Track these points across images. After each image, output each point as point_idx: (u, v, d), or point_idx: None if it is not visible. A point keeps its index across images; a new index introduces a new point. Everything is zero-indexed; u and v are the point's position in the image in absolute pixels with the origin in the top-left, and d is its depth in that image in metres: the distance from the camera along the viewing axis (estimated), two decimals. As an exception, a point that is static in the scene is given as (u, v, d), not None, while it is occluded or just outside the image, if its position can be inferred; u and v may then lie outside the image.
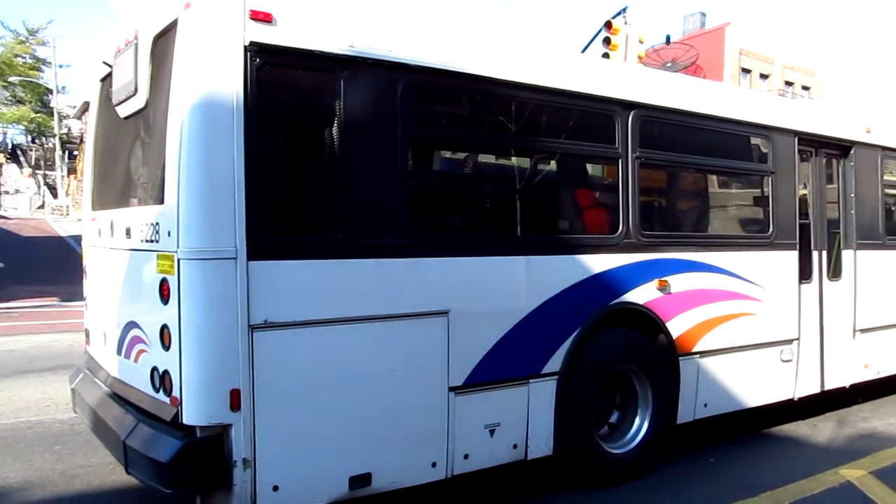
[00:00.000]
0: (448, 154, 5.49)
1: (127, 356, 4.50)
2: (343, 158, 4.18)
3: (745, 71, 37.51)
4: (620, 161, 5.41)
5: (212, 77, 3.75)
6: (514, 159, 5.33)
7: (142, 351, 4.27)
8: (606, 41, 14.26)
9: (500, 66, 4.85)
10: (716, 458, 6.05)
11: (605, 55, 14.06)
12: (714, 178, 6.87)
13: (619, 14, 14.59)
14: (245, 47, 3.81)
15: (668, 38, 22.77)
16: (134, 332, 4.39)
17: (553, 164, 5.59)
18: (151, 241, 4.07)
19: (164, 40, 4.17)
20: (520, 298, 4.85)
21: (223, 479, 3.79)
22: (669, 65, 29.64)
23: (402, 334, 4.33)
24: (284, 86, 4.08)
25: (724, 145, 6.47)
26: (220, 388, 3.75)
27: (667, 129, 5.92)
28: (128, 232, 4.46)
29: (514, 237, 5.04)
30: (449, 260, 4.54)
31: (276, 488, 3.90)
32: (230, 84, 3.77)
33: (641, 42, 14.91)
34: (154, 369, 4.07)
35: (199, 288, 3.75)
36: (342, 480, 4.12)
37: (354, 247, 4.16)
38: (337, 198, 4.15)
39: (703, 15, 40.41)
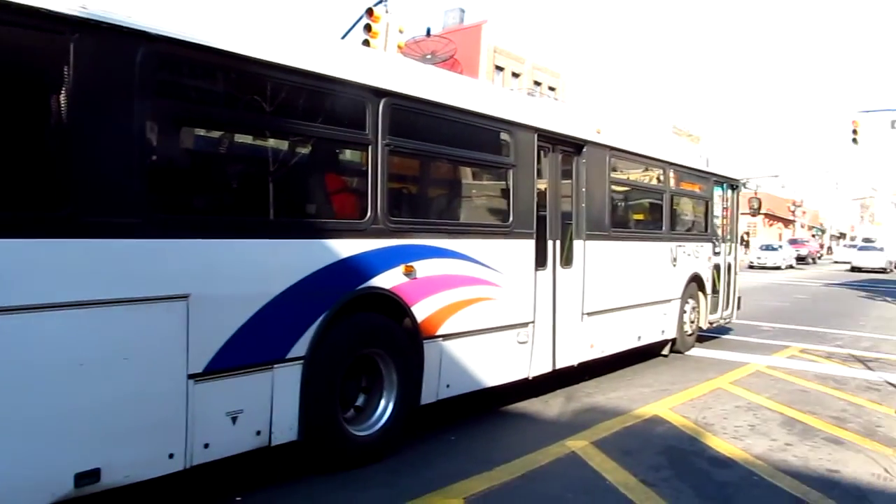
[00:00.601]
0: (194, 131, 5.23)
1: None
2: (73, 128, 3.85)
3: (499, 68, 39.25)
4: (370, 147, 5.50)
5: None
6: (264, 140, 5.22)
7: None
8: (367, 28, 14.33)
9: (252, 44, 4.73)
10: (457, 436, 6.35)
11: (366, 42, 14.15)
12: (461, 168, 7.17)
13: (380, 2, 14.65)
14: (-47, -4, 3.40)
15: (428, 31, 23.46)
16: None
17: (304, 148, 5.54)
18: None
19: None
20: (265, 282, 4.78)
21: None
22: (429, 57, 30.52)
23: (137, 320, 4.08)
24: (5, 43, 3.69)
25: (471, 138, 6.80)
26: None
27: (417, 119, 6.10)
28: None
29: (261, 220, 4.95)
30: (190, 242, 4.37)
31: (-17, 490, 3.54)
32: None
33: (402, 32, 15.14)
34: None
35: None
36: (66, 478, 3.81)
37: (82, 225, 3.87)
38: (62, 171, 3.83)
39: (462, 11, 41.94)
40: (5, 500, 3.62)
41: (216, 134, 5.27)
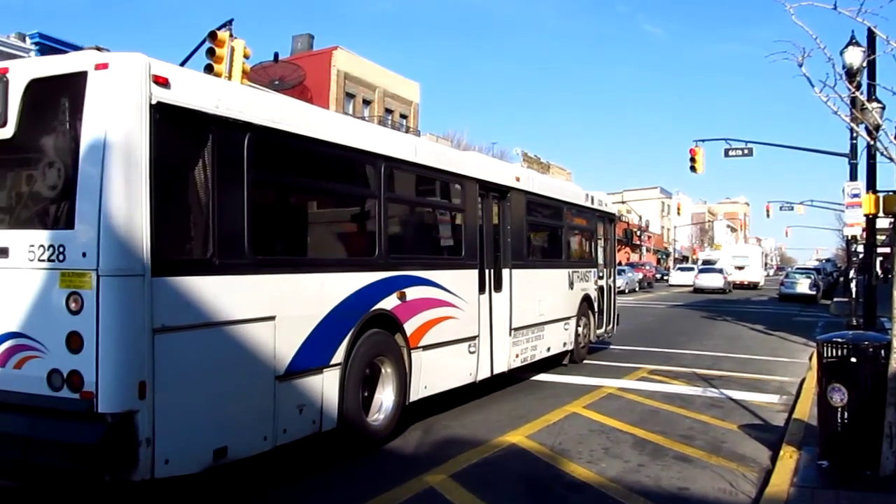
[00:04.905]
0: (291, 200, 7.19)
1: (2, 365, 5.34)
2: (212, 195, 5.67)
3: (350, 96, 40.43)
4: (377, 200, 7.61)
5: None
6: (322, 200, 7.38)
7: (29, 358, 5.19)
8: (211, 52, 14.56)
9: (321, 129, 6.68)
10: (321, 474, 6.73)
11: (209, 67, 14.39)
12: (430, 212, 9.43)
13: (224, 26, 14.96)
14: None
15: (276, 56, 24.16)
16: (13, 342, 5.27)
17: (340, 202, 7.73)
18: (52, 261, 5.09)
19: (52, 85, 5.28)
20: (319, 306, 6.71)
21: (132, 457, 4.99)
22: (277, 82, 31.55)
23: (244, 334, 5.87)
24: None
25: (438, 189, 9.18)
26: (131, 381, 4.99)
27: (406, 177, 8.37)
28: (4, 252, 5.33)
29: (315, 258, 6.93)
30: (276, 276, 6.24)
31: (167, 461, 5.17)
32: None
33: (247, 56, 15.55)
34: (53, 372, 5.07)
35: (117, 299, 4.98)
36: (208, 453, 5.54)
37: (219, 266, 5.67)
38: (204, 226, 5.64)
39: (312, 37, 43.20)
40: (178, 467, 5.30)
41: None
